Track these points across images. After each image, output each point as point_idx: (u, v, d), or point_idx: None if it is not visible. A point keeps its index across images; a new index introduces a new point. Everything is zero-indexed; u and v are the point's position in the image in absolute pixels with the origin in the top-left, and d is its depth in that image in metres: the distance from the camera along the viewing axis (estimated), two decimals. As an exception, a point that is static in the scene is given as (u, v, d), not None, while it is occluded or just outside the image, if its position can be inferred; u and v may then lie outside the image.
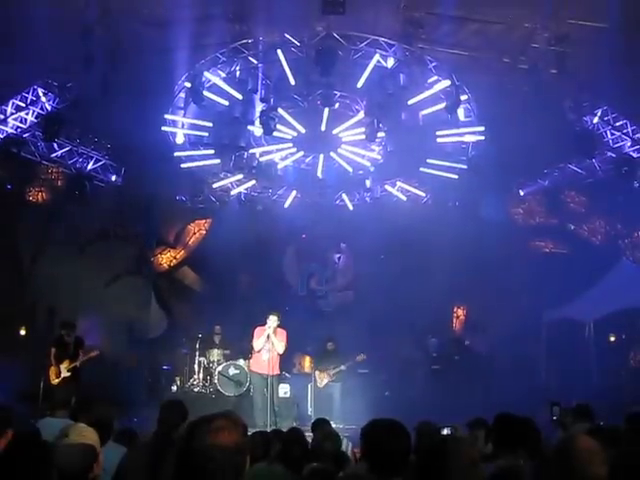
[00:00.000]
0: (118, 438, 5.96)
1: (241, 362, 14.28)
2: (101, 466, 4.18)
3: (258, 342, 12.15)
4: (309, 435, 6.59)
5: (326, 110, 14.60)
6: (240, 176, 16.59)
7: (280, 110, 14.16)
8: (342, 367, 13.97)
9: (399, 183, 17.00)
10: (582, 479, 2.97)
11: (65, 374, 12.05)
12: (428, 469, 2.58)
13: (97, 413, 5.83)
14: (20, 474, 3.07)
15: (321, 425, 6.73)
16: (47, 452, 3.27)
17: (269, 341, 12.05)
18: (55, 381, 11.98)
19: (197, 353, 15.05)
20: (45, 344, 12.79)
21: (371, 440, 3.72)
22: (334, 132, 15.43)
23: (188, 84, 13.21)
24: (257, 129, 14.45)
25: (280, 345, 12.12)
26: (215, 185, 16.71)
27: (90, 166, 15.77)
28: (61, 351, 12.19)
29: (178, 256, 18.91)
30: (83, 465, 3.75)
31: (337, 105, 14.74)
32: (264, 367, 12.15)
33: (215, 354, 14.86)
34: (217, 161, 15.78)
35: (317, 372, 14.37)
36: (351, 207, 17.63)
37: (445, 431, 5.90)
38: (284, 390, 13.54)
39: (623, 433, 5.33)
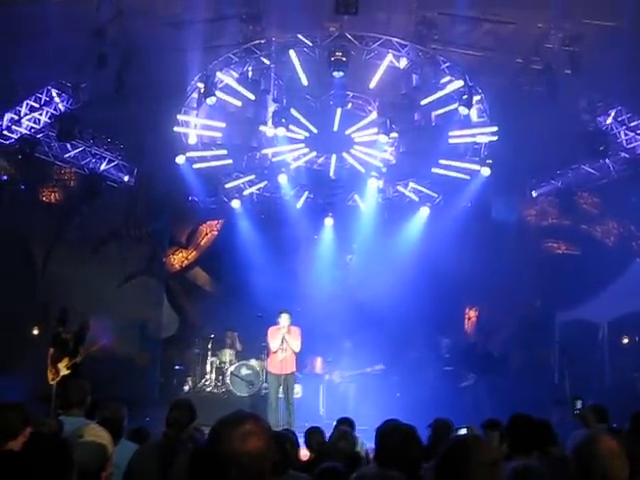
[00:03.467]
0: (131, 437, 5.96)
1: (253, 362, 14.30)
2: (112, 464, 4.21)
3: (274, 343, 12.01)
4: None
5: (338, 110, 14.62)
6: (252, 176, 16.60)
7: (292, 110, 14.18)
8: (359, 371, 14.25)
9: (411, 184, 16.94)
10: None
11: (64, 372, 11.95)
12: (449, 469, 2.55)
13: (109, 412, 5.85)
14: (42, 472, 3.05)
15: (338, 425, 6.69)
16: (68, 450, 3.27)
17: (285, 341, 12.02)
18: (52, 382, 11.82)
19: (209, 353, 15.06)
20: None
21: (386, 445, 3.72)
22: (346, 132, 15.44)
23: (201, 85, 13.22)
24: (269, 129, 14.45)
25: (295, 344, 11.96)
26: (227, 186, 16.73)
27: (103, 166, 15.83)
28: (59, 350, 12.10)
29: (190, 257, 18.91)
30: (97, 464, 3.78)
31: (349, 105, 14.78)
32: (278, 367, 12.11)
33: (227, 354, 14.86)
34: (229, 161, 15.81)
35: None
36: (363, 208, 17.60)
37: (462, 432, 5.86)
38: (296, 390, 13.55)
39: (625, 433, 5.26)
